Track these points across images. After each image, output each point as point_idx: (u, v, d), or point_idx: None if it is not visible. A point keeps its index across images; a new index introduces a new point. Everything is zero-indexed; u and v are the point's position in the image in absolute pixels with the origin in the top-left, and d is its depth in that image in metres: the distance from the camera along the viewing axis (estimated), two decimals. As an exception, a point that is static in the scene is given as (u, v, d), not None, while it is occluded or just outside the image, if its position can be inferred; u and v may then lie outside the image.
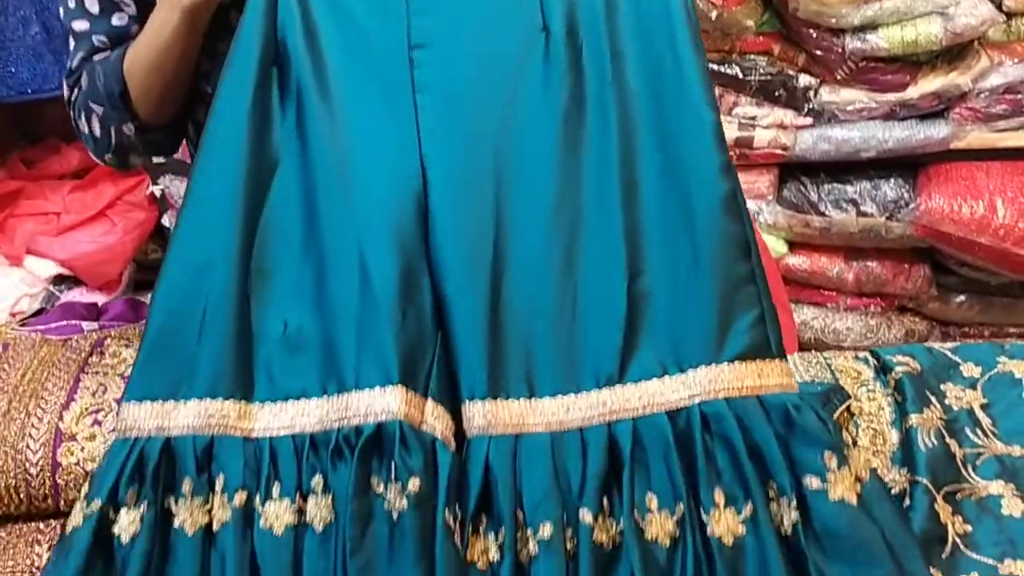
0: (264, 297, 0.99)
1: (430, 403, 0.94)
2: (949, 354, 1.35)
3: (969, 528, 1.15)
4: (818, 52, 1.86)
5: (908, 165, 1.96)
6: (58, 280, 2.18)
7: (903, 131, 1.89)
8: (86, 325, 1.48)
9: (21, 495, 1.18)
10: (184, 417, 0.94)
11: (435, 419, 0.94)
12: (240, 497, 0.92)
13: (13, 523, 1.24)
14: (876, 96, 1.89)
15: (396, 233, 0.97)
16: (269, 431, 0.95)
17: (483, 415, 0.94)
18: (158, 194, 2.22)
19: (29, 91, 2.08)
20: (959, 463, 1.23)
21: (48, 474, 1.17)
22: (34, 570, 1.18)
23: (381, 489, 0.90)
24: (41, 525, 1.21)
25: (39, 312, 1.95)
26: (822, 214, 1.96)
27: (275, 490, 0.92)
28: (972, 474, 1.22)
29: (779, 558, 0.86)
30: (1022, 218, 1.84)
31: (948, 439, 1.24)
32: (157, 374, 0.96)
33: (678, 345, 0.95)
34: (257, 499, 0.92)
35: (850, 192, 1.96)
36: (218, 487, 0.93)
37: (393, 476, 0.90)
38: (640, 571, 0.87)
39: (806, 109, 1.92)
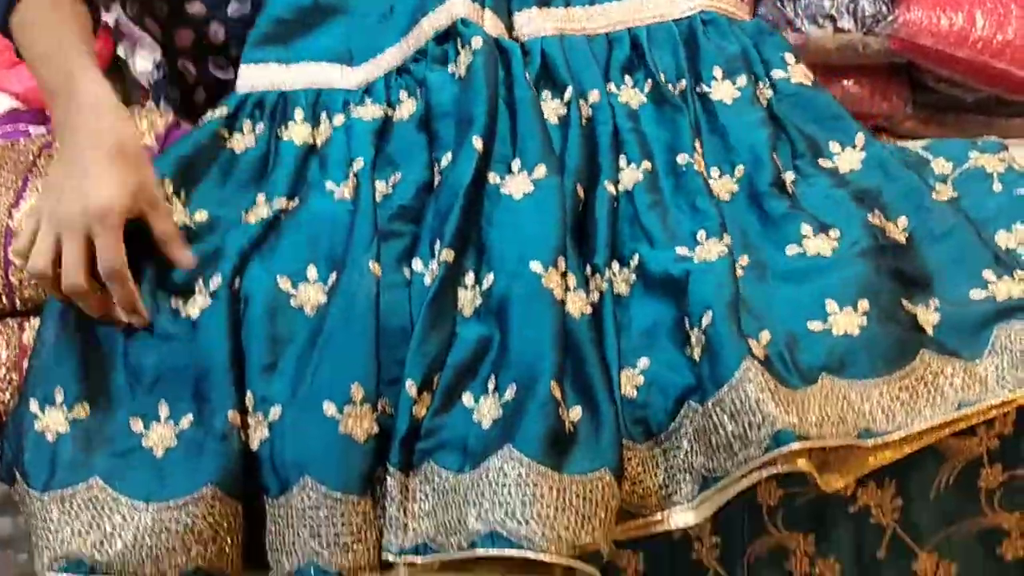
0: None
1: (488, 12, 1.20)
2: (921, 151, 1.33)
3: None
4: None
5: (887, -22, 1.89)
6: (14, 114, 2.11)
7: (883, -61, 1.83)
8: (33, 129, 1.44)
9: (-26, 294, 1.16)
10: (294, 77, 1.18)
11: (493, 28, 1.19)
12: (339, 118, 1.14)
13: (-31, 324, 1.23)
14: (856, -97, 1.81)
15: None
16: (368, 82, 1.18)
17: (531, 19, 1.22)
18: (111, 23, 2.14)
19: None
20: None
21: (0, 272, 1.15)
22: (-7, 368, 1.18)
23: (452, 68, 1.13)
24: (-2, 325, 1.20)
25: (-16, 123, 1.89)
26: (798, 31, 1.89)
27: (367, 99, 1.15)
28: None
29: (764, 115, 1.20)
30: (1000, 30, 1.80)
31: (917, 231, 1.23)
32: (268, 48, 1.19)
33: None
34: (351, 107, 1.15)
35: (827, 7, 1.89)
36: (322, 118, 1.15)
37: (459, 45, 1.14)
38: (654, 123, 1.17)
39: (783, -82, 1.85)
